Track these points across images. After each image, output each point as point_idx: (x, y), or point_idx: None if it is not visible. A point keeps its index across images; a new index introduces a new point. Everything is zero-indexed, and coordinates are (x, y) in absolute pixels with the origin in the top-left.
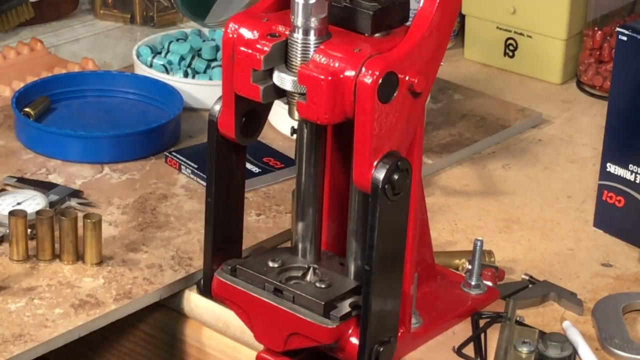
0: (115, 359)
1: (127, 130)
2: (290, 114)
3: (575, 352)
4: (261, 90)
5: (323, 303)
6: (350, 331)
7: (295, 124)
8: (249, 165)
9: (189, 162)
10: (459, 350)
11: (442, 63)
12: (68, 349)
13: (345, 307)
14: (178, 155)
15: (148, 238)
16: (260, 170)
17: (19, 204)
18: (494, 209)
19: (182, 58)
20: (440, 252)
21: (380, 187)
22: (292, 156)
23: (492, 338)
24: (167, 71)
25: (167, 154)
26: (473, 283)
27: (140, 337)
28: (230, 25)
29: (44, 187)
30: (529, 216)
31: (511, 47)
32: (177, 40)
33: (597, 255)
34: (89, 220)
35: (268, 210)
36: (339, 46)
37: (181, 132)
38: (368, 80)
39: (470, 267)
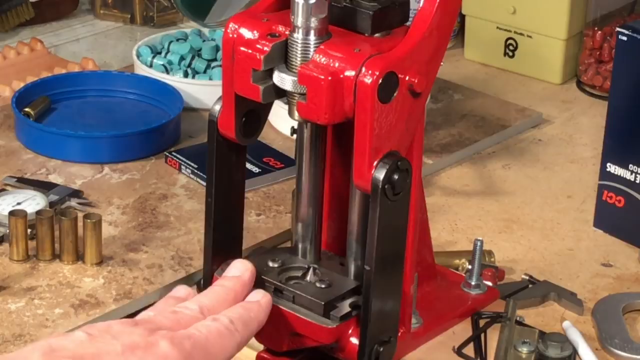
0: None
1: (127, 130)
2: (290, 114)
3: (575, 352)
4: (261, 90)
5: (323, 303)
6: (350, 331)
7: (295, 124)
8: (249, 165)
9: (189, 162)
10: (459, 350)
11: (442, 63)
12: None
13: (345, 307)
14: (178, 155)
15: (148, 238)
16: (260, 170)
17: (19, 204)
18: (494, 209)
19: (182, 58)
20: (440, 252)
21: (380, 187)
22: (292, 156)
23: (492, 338)
24: (167, 71)
25: (167, 154)
26: (473, 283)
27: None
28: (230, 25)
29: (44, 187)
30: (529, 216)
31: (511, 47)
32: (177, 40)
33: (597, 255)
34: (89, 220)
35: (268, 210)
36: (339, 46)
37: (181, 132)
38: (368, 80)
39: (470, 267)
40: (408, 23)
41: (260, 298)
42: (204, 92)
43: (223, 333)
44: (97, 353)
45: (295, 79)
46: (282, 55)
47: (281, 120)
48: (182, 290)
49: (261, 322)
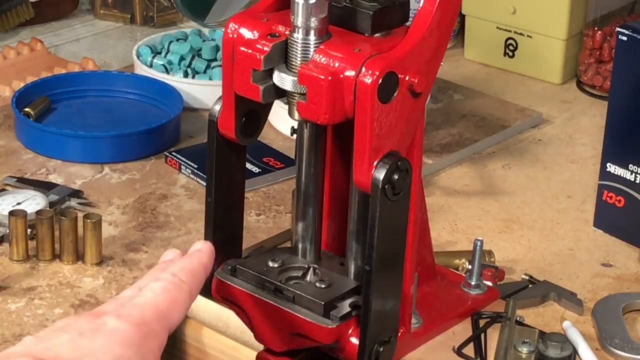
0: None
1: (127, 130)
2: (290, 114)
3: (575, 352)
4: (261, 90)
5: (323, 303)
6: (350, 331)
7: (295, 124)
8: (249, 165)
9: (189, 162)
10: (459, 350)
11: (442, 63)
12: None
13: (345, 307)
14: (178, 155)
15: (148, 238)
16: (260, 170)
17: (19, 204)
18: (494, 209)
19: (182, 58)
20: (440, 252)
21: (380, 187)
22: (292, 156)
23: (492, 338)
24: (167, 71)
25: (167, 154)
26: (473, 283)
27: None
28: (230, 25)
29: (44, 187)
30: (529, 216)
31: (511, 47)
32: (177, 40)
33: (597, 255)
34: (89, 220)
35: (268, 210)
36: (339, 46)
37: (181, 132)
38: (368, 80)
39: (470, 267)
40: (408, 23)
41: (201, 246)
42: (204, 92)
43: (169, 288)
44: (47, 346)
45: (295, 79)
46: (282, 55)
47: (281, 120)
48: (170, 254)
49: (207, 267)
